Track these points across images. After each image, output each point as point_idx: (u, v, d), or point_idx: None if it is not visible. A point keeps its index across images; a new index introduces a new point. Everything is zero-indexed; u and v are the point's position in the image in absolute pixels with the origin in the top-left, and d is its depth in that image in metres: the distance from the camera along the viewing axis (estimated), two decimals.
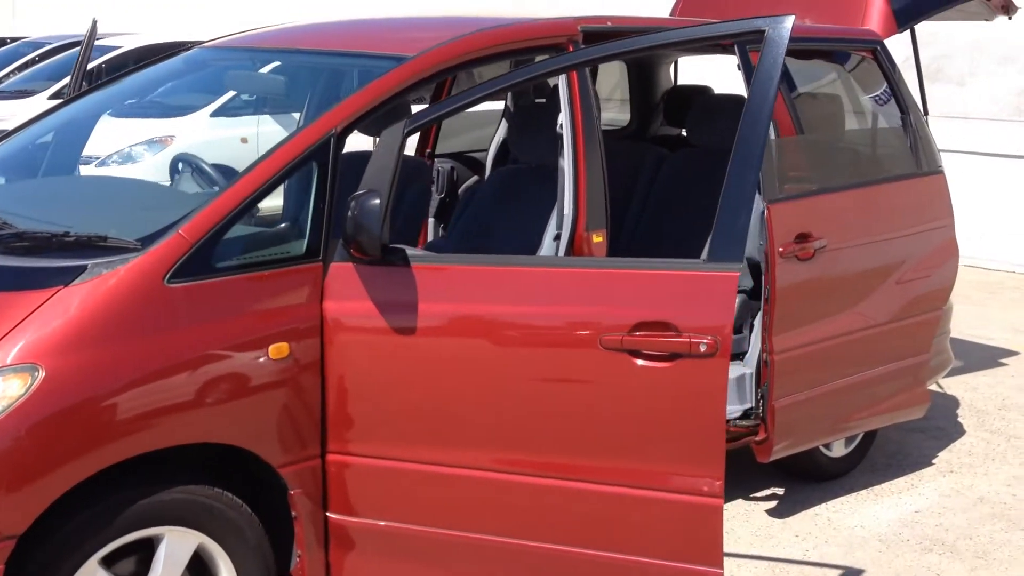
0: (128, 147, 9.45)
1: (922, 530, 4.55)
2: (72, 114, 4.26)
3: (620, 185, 5.13)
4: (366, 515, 3.24)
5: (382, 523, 3.22)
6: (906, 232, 4.77)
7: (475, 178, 5.77)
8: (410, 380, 3.14)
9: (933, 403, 5.99)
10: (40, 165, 4.14)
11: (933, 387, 6.26)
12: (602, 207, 3.91)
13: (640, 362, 2.95)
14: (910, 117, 4.90)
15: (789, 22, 3.07)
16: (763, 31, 3.07)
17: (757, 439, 4.38)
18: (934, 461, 5.28)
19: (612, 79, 6.43)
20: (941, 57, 10.34)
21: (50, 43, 13.98)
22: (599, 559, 3.10)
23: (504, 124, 5.76)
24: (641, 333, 2.95)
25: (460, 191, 5.78)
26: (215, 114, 9.59)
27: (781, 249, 4.20)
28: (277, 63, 4.11)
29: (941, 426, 5.75)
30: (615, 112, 6.59)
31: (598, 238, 3.89)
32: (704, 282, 2.95)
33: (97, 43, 12.36)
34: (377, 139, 3.35)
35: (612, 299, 3.01)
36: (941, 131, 10.15)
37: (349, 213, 3.02)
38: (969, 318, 7.90)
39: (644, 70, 6.02)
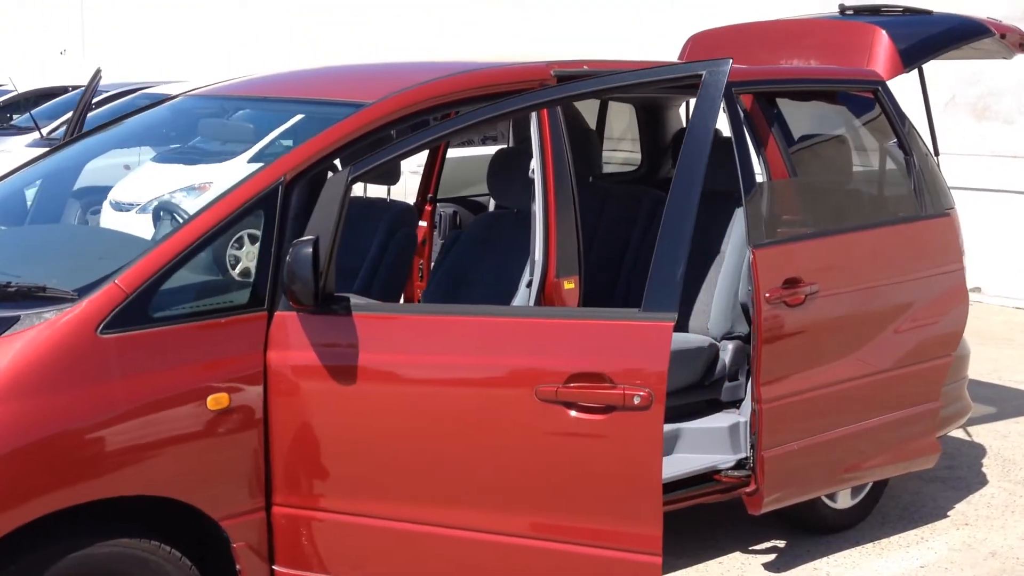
0: (168, 194, 9.56)
1: None
2: (61, 161, 4.29)
3: (619, 229, 5.09)
4: (311, 568, 3.18)
5: None
6: (908, 277, 4.62)
7: None
8: (349, 432, 3.10)
9: (958, 452, 5.84)
10: (24, 212, 4.18)
11: (960, 435, 6.09)
12: (574, 253, 3.84)
13: (574, 414, 2.87)
14: (914, 159, 4.76)
15: (727, 66, 2.99)
16: (700, 75, 2.99)
17: (748, 490, 4.25)
18: (949, 513, 5.09)
19: (623, 122, 6.37)
20: (988, 95, 10.13)
21: (107, 91, 14.27)
22: None
23: None
24: (576, 385, 2.88)
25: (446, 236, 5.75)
26: (253, 160, 9.66)
27: (767, 295, 4.09)
28: (247, 110, 4.12)
29: (962, 476, 5.55)
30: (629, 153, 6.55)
31: (569, 284, 3.82)
32: (639, 332, 2.87)
33: (148, 91, 12.37)
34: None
35: (548, 350, 2.94)
36: (989, 170, 9.97)
37: (286, 261, 2.99)
38: (1010, 362, 7.67)
39: (652, 112, 5.95)
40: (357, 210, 4.75)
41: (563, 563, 2.96)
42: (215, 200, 3.17)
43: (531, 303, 3.78)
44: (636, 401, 2.82)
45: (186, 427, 3.00)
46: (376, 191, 4.90)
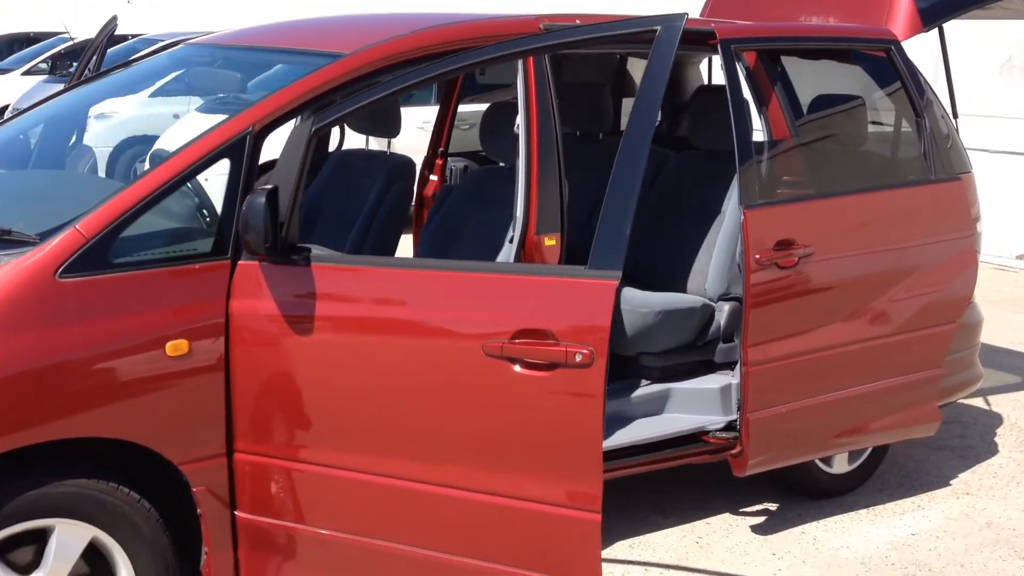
0: None
1: (912, 554, 4.33)
2: (64, 105, 4.34)
3: None
4: (271, 514, 3.23)
5: (284, 523, 3.21)
6: (911, 241, 4.53)
7: None
8: (306, 381, 3.12)
9: (973, 421, 5.75)
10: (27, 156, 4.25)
11: (979, 403, 6.00)
12: (556, 210, 3.82)
13: (519, 370, 2.87)
14: (925, 121, 4.65)
15: (681, 21, 2.94)
16: (655, 30, 2.94)
17: (733, 452, 4.23)
18: (952, 481, 5.02)
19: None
20: None
21: (162, 39, 14.40)
22: (477, 568, 3.03)
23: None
24: (521, 341, 2.87)
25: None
26: None
27: (758, 256, 4.05)
28: (236, 61, 4.14)
29: (973, 445, 5.47)
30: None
31: (550, 241, 3.81)
32: (583, 290, 2.85)
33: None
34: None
35: (496, 306, 2.94)
36: None
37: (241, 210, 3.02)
38: None
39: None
40: (358, 162, 4.79)
41: (506, 517, 2.97)
42: (182, 148, 3.19)
43: (511, 259, 3.78)
44: (578, 359, 2.81)
45: (144, 372, 3.04)
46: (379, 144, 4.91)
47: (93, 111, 4.49)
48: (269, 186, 3.03)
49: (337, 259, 3.22)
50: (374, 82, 3.48)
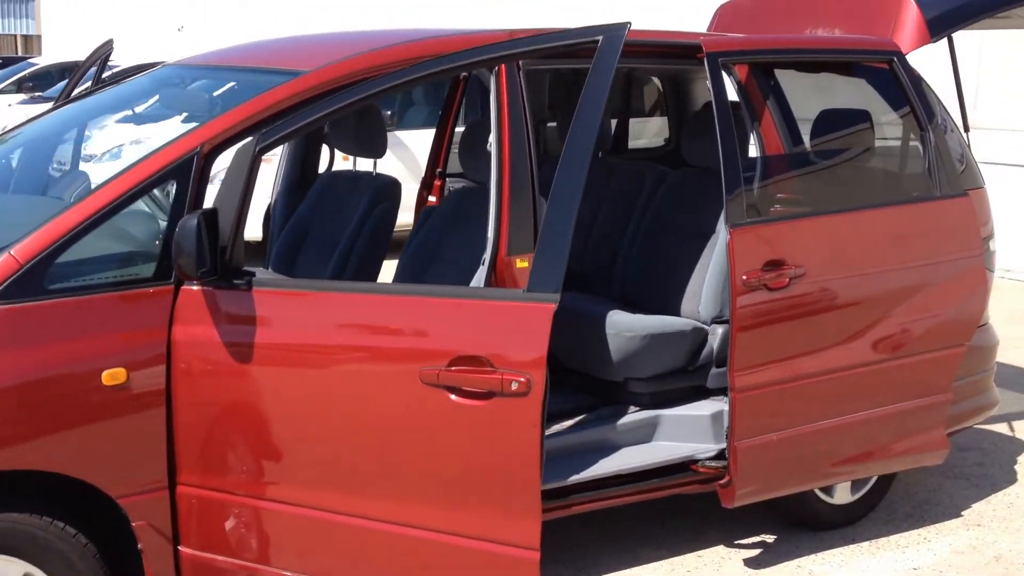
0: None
1: None
2: (47, 126, 4.28)
3: (621, 207, 4.90)
4: (215, 550, 3.11)
5: (228, 559, 3.09)
6: (914, 261, 4.34)
7: None
8: (246, 412, 3.02)
9: (994, 448, 5.52)
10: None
11: (1002, 429, 5.76)
12: (530, 231, 3.68)
13: (455, 399, 2.74)
14: (929, 135, 4.46)
15: (623, 31, 2.80)
16: (597, 40, 2.80)
17: (722, 482, 4.06)
18: (964, 512, 4.80)
19: (654, 96, 6.16)
20: None
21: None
22: None
23: None
24: (457, 368, 2.74)
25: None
26: None
27: (745, 277, 3.88)
28: (205, 80, 4.05)
29: (991, 474, 5.24)
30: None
31: (523, 263, 3.66)
32: (520, 315, 2.72)
33: None
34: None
35: (433, 331, 2.81)
36: None
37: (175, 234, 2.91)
38: None
39: (677, 85, 5.72)
40: (344, 183, 4.68)
41: (443, 554, 2.84)
42: (124, 170, 3.09)
43: (483, 282, 3.65)
44: (514, 387, 2.67)
45: (79, 402, 2.94)
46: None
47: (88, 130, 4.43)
48: (199, 210, 2.91)
49: (279, 283, 3.12)
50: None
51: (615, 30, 2.87)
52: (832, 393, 4.16)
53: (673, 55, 4.16)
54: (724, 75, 4.23)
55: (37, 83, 17.34)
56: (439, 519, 2.82)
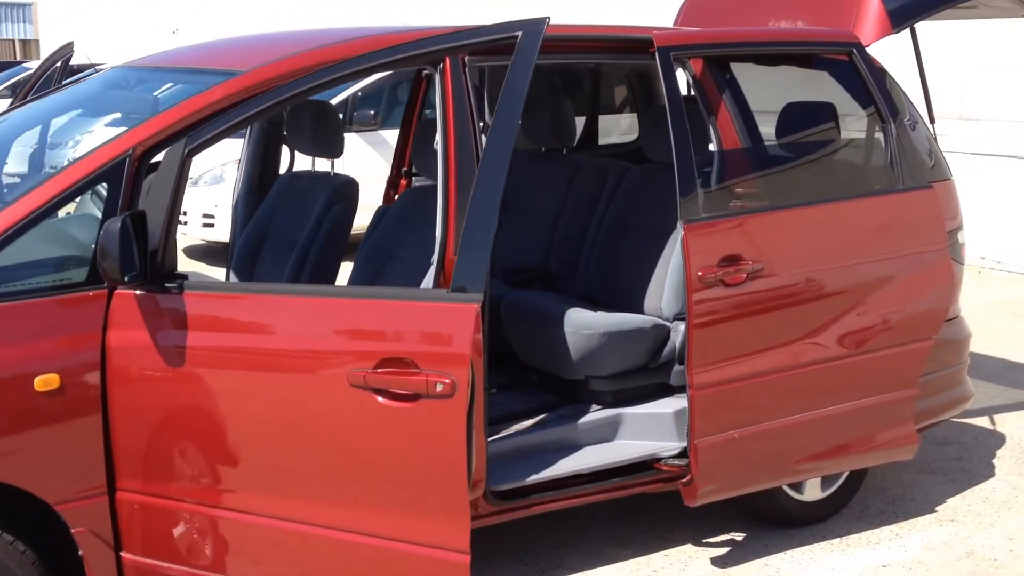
0: (220, 166, 9.62)
1: None
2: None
3: (584, 204, 4.86)
4: (159, 556, 3.08)
5: (171, 565, 3.06)
6: (876, 255, 4.28)
7: None
8: (181, 416, 2.99)
9: (974, 442, 5.46)
10: None
11: (984, 423, 5.70)
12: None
13: (382, 401, 2.70)
14: (890, 127, 4.41)
15: (542, 26, 2.76)
16: (516, 36, 2.76)
17: (684, 481, 4.01)
18: (938, 508, 4.74)
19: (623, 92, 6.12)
20: None
21: None
22: None
23: (484, 140, 5.52)
24: (384, 370, 2.70)
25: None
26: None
27: (700, 273, 3.84)
28: (149, 82, 4.02)
29: (968, 468, 5.18)
30: None
31: None
32: (444, 315, 2.67)
33: None
34: None
35: (360, 332, 2.77)
36: None
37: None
38: None
39: (645, 81, 5.68)
40: (302, 183, 4.64)
41: (375, 558, 2.80)
42: (54, 173, 3.06)
43: (432, 282, 3.61)
44: (439, 389, 2.63)
45: (12, 408, 2.91)
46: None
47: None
48: (124, 214, 2.88)
49: (212, 286, 3.08)
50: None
51: (534, 25, 2.83)
52: (796, 389, 4.12)
53: (624, 50, 4.12)
54: (681, 70, 4.22)
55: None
56: (370, 523, 2.79)
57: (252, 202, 4.83)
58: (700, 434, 3.92)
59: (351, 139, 8.80)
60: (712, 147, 4.27)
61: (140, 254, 2.88)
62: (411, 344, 2.70)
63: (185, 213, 9.80)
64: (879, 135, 4.46)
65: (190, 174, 10.04)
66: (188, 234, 9.85)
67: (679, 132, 3.88)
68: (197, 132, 3.04)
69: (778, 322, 4.07)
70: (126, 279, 2.86)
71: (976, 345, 5.30)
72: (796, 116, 4.63)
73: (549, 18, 2.87)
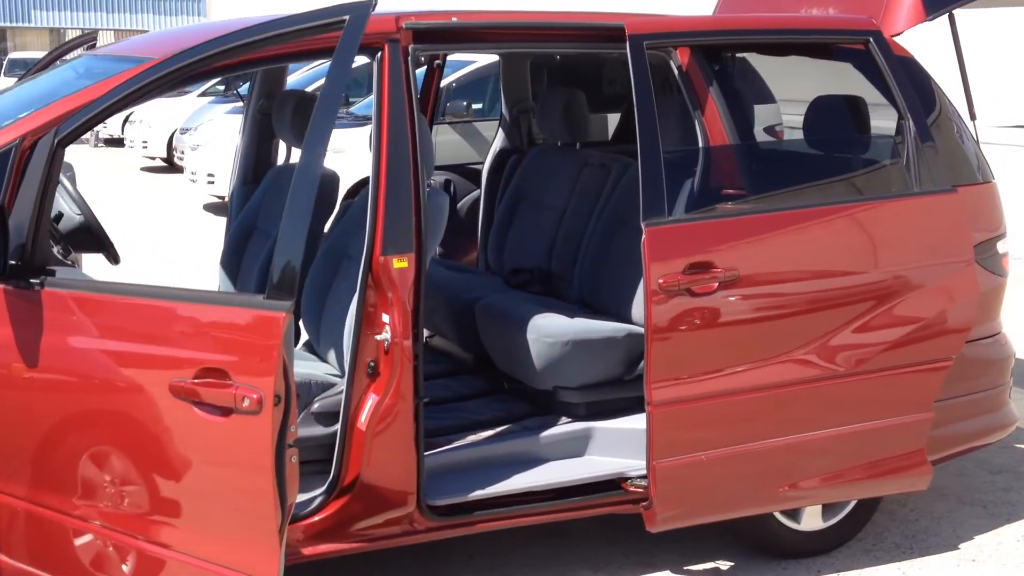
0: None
1: None
2: None
3: (586, 200, 4.61)
4: (18, 558, 2.98)
5: (14, 563, 2.96)
6: (883, 265, 3.89)
7: (477, 192, 5.35)
8: (28, 417, 2.86)
9: None
10: None
11: None
12: (409, 228, 3.43)
13: (200, 413, 2.52)
14: (908, 123, 3.99)
15: (367, 10, 2.52)
16: (343, 20, 2.53)
17: (644, 504, 3.72)
18: (962, 545, 4.30)
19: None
20: None
21: None
22: None
23: (501, 133, 5.31)
24: (201, 380, 2.51)
25: (460, 206, 5.38)
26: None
27: (661, 281, 3.54)
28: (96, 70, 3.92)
29: (1015, 501, 4.70)
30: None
31: (400, 263, 3.41)
32: (255, 324, 2.47)
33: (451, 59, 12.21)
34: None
35: (184, 339, 2.59)
36: None
37: None
38: None
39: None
40: (288, 176, 4.50)
41: None
42: None
43: (359, 284, 3.42)
44: (245, 404, 2.43)
45: None
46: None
47: None
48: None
49: (70, 285, 2.92)
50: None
51: (359, 9, 2.59)
52: (779, 410, 3.77)
53: (596, 39, 3.84)
54: (670, 60, 3.93)
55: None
56: (189, 542, 2.62)
57: (245, 193, 4.73)
58: (659, 455, 3.63)
59: (444, 130, 8.68)
60: (700, 144, 3.94)
61: (1, 249, 2.78)
62: (227, 354, 2.51)
63: (194, 173, 11.88)
64: (902, 132, 4.05)
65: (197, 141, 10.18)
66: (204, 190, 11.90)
67: (646, 127, 3.59)
68: (66, 123, 2.91)
69: (757, 337, 3.73)
70: None
71: None
72: (821, 111, 4.26)
73: (375, 3, 2.63)
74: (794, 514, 4.11)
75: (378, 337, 3.42)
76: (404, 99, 3.45)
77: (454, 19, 3.60)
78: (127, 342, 2.70)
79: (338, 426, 3.41)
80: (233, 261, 4.50)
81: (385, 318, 3.42)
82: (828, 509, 4.16)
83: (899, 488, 4.13)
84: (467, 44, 3.70)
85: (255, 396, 2.44)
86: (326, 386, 3.61)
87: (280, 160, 4.85)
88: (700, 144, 3.91)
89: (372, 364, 3.42)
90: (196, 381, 2.54)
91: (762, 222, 3.76)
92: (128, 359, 2.69)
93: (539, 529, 4.07)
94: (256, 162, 4.76)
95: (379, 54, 3.44)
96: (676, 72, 3.92)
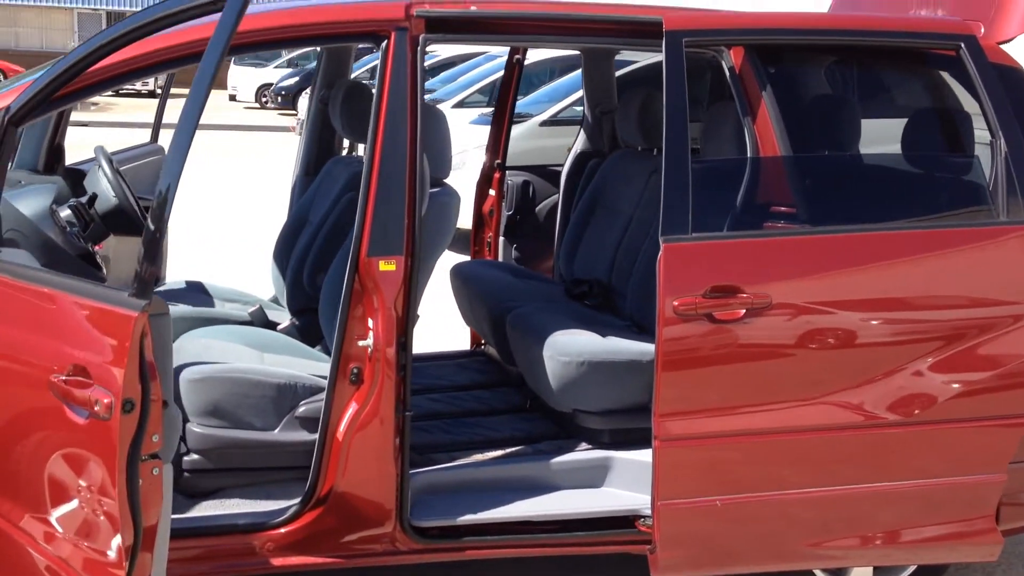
0: (459, 153, 9.53)
1: None
2: None
3: (653, 208, 4.27)
4: None
5: None
6: (951, 302, 3.42)
7: (557, 196, 5.07)
8: None
9: None
10: None
11: None
12: (399, 230, 3.20)
13: (70, 415, 2.34)
14: (1000, 142, 3.49)
15: None
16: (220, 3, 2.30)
17: (649, 547, 3.38)
18: None
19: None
20: None
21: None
22: None
23: (582, 135, 5.01)
24: (71, 379, 2.34)
25: (538, 209, 5.13)
26: (545, 124, 9.38)
27: (676, 304, 3.19)
28: None
29: None
30: None
31: (388, 266, 3.19)
32: (113, 323, 2.27)
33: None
34: None
35: (64, 333, 2.41)
36: None
37: None
38: None
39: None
40: (339, 168, 4.36)
41: None
42: None
43: (347, 285, 3.22)
44: (97, 409, 2.24)
45: None
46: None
47: None
48: None
49: (6, 270, 2.78)
50: None
51: None
52: (808, 457, 3.36)
53: (632, 34, 3.50)
54: (723, 61, 3.57)
55: None
56: (68, 553, 2.44)
57: (304, 185, 4.61)
58: (664, 495, 3.28)
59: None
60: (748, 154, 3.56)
61: None
62: (90, 352, 2.32)
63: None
64: (993, 152, 3.56)
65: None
66: None
67: (674, 132, 3.25)
68: (18, 101, 2.80)
69: (792, 373, 3.32)
70: None
71: None
72: (920, 125, 3.81)
73: None
74: (839, 572, 3.67)
75: (361, 343, 3.21)
76: (407, 91, 3.23)
77: (473, 8, 3.34)
78: (23, 335, 2.55)
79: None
80: (284, 254, 4.38)
81: (371, 323, 3.21)
82: (886, 572, 3.71)
83: (962, 557, 3.63)
84: (485, 36, 3.43)
85: (106, 401, 2.25)
86: (314, 390, 3.43)
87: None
88: (748, 155, 3.52)
89: (356, 370, 3.22)
90: (66, 379, 2.36)
91: (805, 244, 3.35)
92: (21, 354, 2.53)
93: (559, 560, 3.76)
94: (317, 153, 4.63)
95: (385, 43, 3.23)
96: (728, 74, 3.54)
